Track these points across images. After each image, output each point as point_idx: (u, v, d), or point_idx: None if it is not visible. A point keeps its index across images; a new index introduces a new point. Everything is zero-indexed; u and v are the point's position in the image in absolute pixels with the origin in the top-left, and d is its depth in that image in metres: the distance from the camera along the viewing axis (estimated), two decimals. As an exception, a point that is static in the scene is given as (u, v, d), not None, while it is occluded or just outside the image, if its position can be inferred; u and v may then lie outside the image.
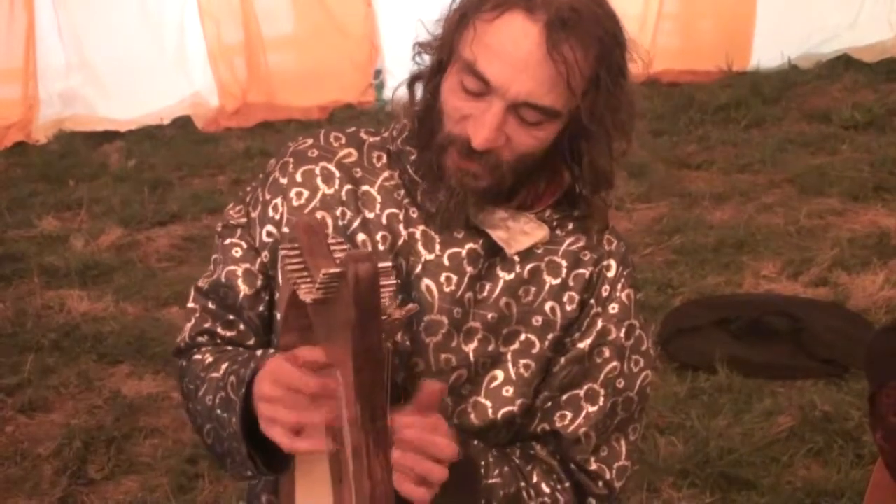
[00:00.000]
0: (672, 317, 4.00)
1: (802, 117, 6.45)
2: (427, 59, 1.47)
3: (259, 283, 1.53)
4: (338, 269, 1.09)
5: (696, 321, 3.92)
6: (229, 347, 1.55)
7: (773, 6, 7.16)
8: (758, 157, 5.77)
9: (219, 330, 1.56)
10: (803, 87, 6.96)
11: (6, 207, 5.70)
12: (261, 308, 1.54)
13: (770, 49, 7.20)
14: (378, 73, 7.39)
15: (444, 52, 1.42)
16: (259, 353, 1.48)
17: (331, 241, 1.22)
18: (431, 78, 1.45)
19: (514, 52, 1.34)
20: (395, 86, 1.52)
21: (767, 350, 3.77)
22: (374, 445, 1.12)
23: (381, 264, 1.09)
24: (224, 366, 1.46)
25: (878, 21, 7.27)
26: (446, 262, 1.46)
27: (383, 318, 1.11)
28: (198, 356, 1.55)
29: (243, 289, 1.52)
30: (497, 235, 1.46)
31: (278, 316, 1.51)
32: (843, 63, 7.29)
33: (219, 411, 1.43)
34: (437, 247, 1.47)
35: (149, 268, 4.87)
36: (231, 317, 1.55)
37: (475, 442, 1.46)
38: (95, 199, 5.76)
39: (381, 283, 1.09)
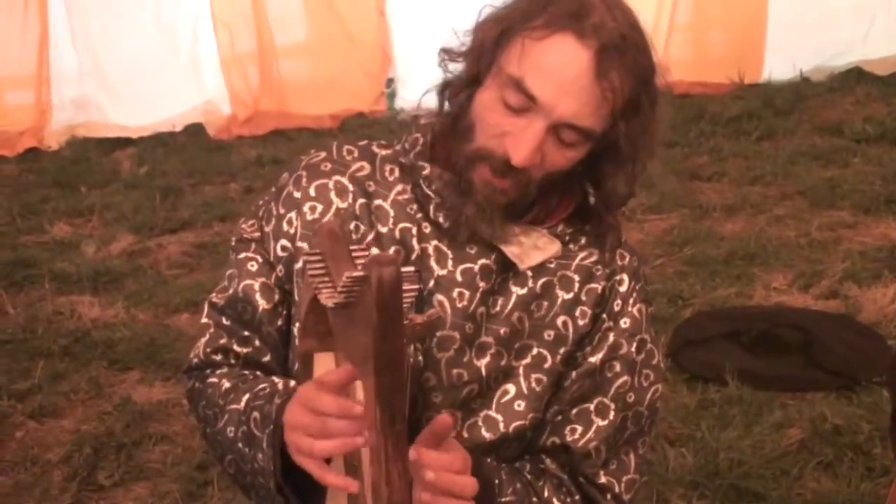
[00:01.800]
0: (682, 328, 3.98)
1: (814, 130, 6.44)
2: (453, 67, 1.45)
3: (276, 297, 1.52)
4: (361, 273, 1.09)
5: (707, 333, 3.91)
6: (245, 371, 1.54)
7: (784, 19, 7.16)
8: (769, 170, 5.76)
9: (234, 347, 1.54)
10: (815, 99, 6.95)
11: (18, 213, 5.73)
12: (279, 322, 1.53)
13: (782, 61, 7.21)
14: (390, 82, 7.42)
15: (481, 64, 1.40)
16: (280, 384, 1.46)
17: (353, 246, 1.23)
18: (464, 88, 1.43)
19: (563, 73, 1.34)
20: (415, 93, 1.52)
21: (778, 362, 3.75)
22: (392, 450, 1.13)
23: (404, 269, 1.09)
24: (245, 398, 1.44)
25: (891, 34, 7.26)
26: (459, 278, 1.46)
27: (405, 322, 1.11)
28: (213, 379, 1.53)
29: (261, 303, 1.52)
30: (510, 251, 1.46)
31: (295, 330, 1.51)
32: (855, 76, 7.28)
33: (240, 444, 1.42)
34: (450, 262, 1.47)
35: (160, 275, 4.87)
36: (246, 333, 1.54)
37: (488, 460, 1.46)
38: (107, 206, 5.78)
39: (404, 287, 1.09)
